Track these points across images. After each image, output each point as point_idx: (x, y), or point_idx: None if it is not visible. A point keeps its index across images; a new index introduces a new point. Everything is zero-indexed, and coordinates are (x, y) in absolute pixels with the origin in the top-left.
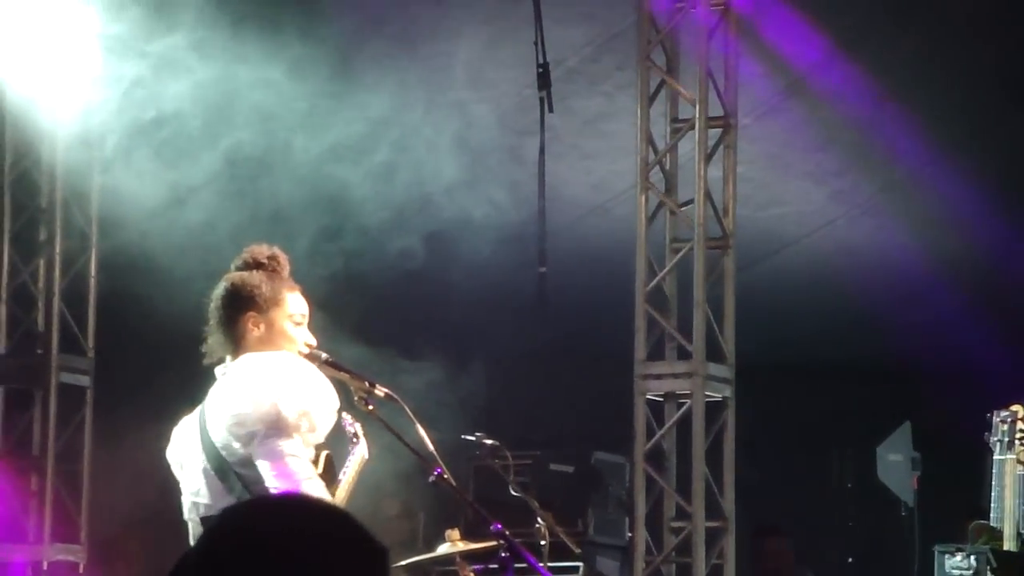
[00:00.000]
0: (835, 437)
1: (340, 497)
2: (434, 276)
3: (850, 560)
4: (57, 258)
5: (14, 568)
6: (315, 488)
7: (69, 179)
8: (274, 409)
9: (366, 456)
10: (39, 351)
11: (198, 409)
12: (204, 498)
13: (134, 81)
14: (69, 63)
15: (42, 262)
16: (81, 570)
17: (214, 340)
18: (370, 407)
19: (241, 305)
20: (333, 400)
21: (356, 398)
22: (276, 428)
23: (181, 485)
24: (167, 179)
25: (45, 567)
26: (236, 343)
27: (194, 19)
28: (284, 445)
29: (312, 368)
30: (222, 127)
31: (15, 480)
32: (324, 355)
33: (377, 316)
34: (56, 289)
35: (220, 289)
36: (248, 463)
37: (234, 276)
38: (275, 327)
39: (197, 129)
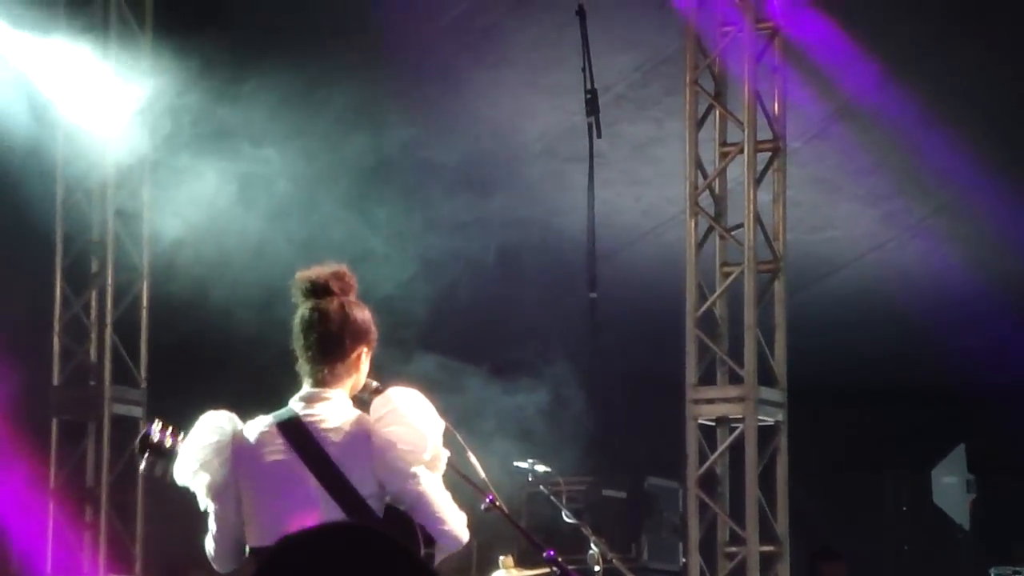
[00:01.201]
0: (889, 460)
1: None
2: (483, 304)
3: None
4: (109, 290)
5: None
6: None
7: (121, 211)
8: (436, 445)
9: None
10: (92, 383)
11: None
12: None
13: (186, 110)
14: (121, 95)
15: (94, 294)
16: None
17: (317, 368)
18: None
19: (364, 338)
20: None
21: None
22: (437, 463)
23: (221, 509)
24: (217, 209)
25: None
26: (346, 374)
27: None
28: (440, 484)
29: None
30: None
31: (69, 512)
32: (374, 384)
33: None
34: (108, 321)
35: (338, 315)
36: (378, 495)
37: (354, 305)
38: (367, 364)
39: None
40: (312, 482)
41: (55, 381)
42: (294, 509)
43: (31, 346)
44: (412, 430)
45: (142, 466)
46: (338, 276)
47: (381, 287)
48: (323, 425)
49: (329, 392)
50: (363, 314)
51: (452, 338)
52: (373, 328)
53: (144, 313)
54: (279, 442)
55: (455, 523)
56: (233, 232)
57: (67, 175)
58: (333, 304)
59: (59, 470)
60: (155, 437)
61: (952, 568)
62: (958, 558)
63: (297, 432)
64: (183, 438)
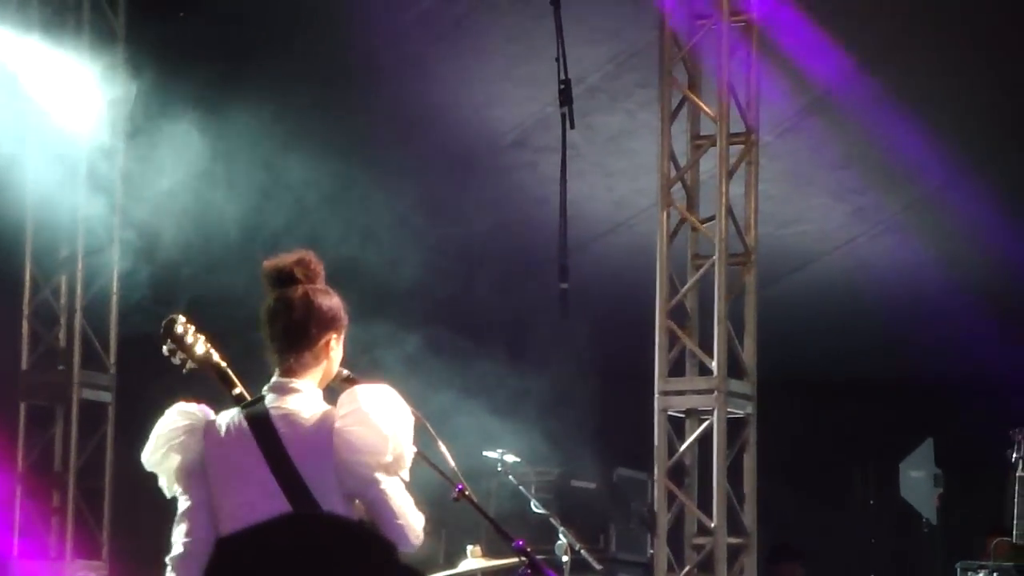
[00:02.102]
0: (857, 454)
1: None
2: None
3: None
4: (79, 274)
5: None
6: (421, 525)
7: (90, 194)
8: (401, 454)
9: None
10: (61, 367)
11: (239, 430)
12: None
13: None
14: (93, 83)
15: (64, 278)
16: None
17: (283, 358)
18: None
19: (330, 325)
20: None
21: None
22: (398, 471)
23: (193, 499)
24: (195, 192)
25: None
26: (312, 364)
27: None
28: (402, 488)
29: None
30: None
31: (37, 497)
32: (346, 372)
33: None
34: (78, 306)
35: (302, 303)
36: (336, 494)
37: (319, 292)
38: (339, 350)
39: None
40: (271, 479)
41: (23, 365)
42: (255, 505)
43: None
44: (374, 432)
45: (164, 349)
46: (302, 263)
47: (356, 273)
48: (288, 420)
49: (298, 382)
50: (329, 301)
51: (422, 324)
52: (342, 315)
53: (114, 298)
54: (246, 435)
55: (410, 525)
56: (207, 217)
57: (36, 158)
58: (297, 292)
59: (27, 454)
60: (179, 329)
61: (919, 562)
62: (925, 552)
63: (263, 426)
64: (205, 345)
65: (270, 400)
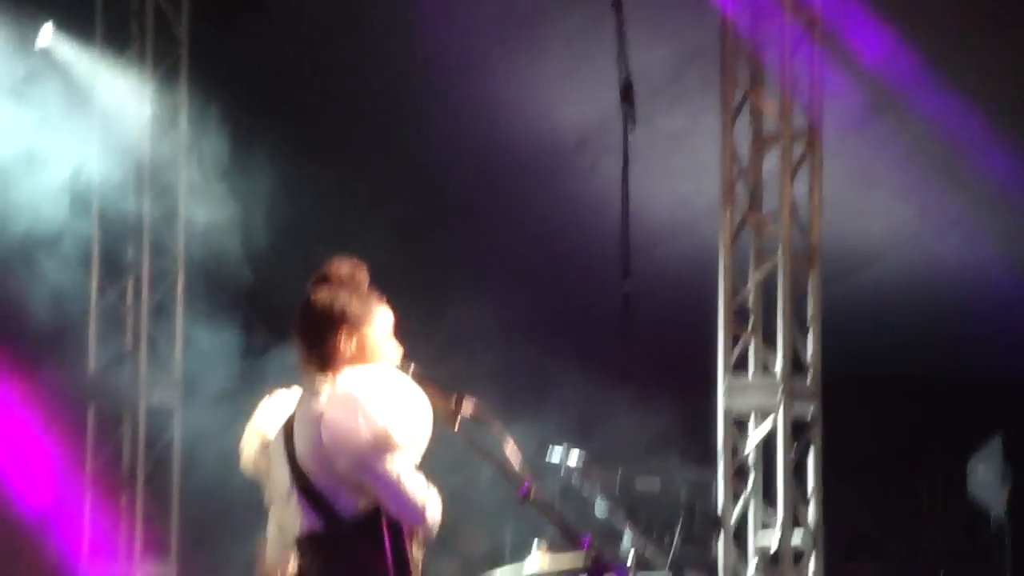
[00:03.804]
0: (924, 451)
1: None
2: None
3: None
4: (145, 278)
5: None
6: (433, 499)
7: (156, 199)
8: (384, 431)
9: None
10: (127, 371)
11: (275, 413)
12: (291, 519)
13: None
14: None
15: (130, 282)
16: None
17: (304, 358)
18: (456, 422)
19: (333, 322)
20: (430, 415)
21: (444, 412)
22: (388, 448)
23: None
24: (255, 197)
25: None
26: (328, 359)
27: None
28: (397, 464)
29: (409, 383)
30: None
31: (106, 499)
32: (413, 366)
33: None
34: (144, 309)
35: (307, 307)
36: (343, 485)
37: (320, 293)
38: (367, 342)
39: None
40: (289, 478)
41: (91, 369)
42: (284, 506)
43: (68, 333)
44: (358, 417)
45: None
46: (333, 267)
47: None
48: (299, 417)
49: (312, 380)
50: (333, 299)
51: (487, 324)
52: (348, 312)
53: (179, 301)
54: (279, 438)
55: (412, 504)
56: (272, 220)
57: (101, 164)
58: (307, 294)
59: (95, 456)
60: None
61: (988, 559)
62: (994, 549)
63: (287, 428)
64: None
65: (299, 401)
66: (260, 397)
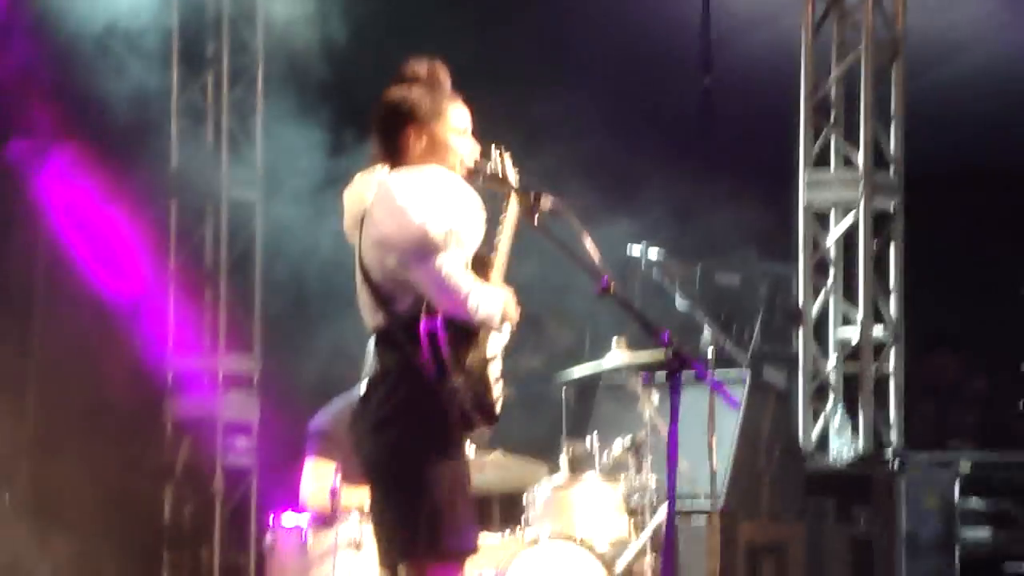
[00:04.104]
0: (1006, 243)
1: (498, 271)
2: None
3: (1023, 367)
4: (225, 72)
5: (190, 376)
6: (480, 295)
7: None
8: (420, 230)
9: (516, 216)
10: (209, 167)
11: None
12: (363, 311)
13: None
14: None
15: (210, 76)
16: (255, 380)
17: (376, 152)
18: (535, 218)
19: (402, 119)
20: (479, 214)
21: (522, 210)
22: (426, 248)
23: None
24: None
25: (220, 377)
26: (398, 156)
27: None
28: (439, 262)
29: (457, 182)
30: None
31: (190, 293)
32: (490, 167)
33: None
34: (224, 104)
35: (380, 105)
36: (396, 281)
37: (392, 91)
38: (437, 139)
39: None
40: (358, 264)
41: (173, 164)
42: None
43: (150, 129)
44: (394, 216)
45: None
46: (411, 65)
47: None
48: (366, 207)
49: (380, 174)
50: (402, 94)
51: (569, 118)
52: (416, 108)
53: (259, 95)
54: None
55: (454, 298)
56: (348, 11)
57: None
58: (390, 91)
59: (178, 251)
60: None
61: None
62: None
63: (361, 213)
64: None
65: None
66: (339, 192)
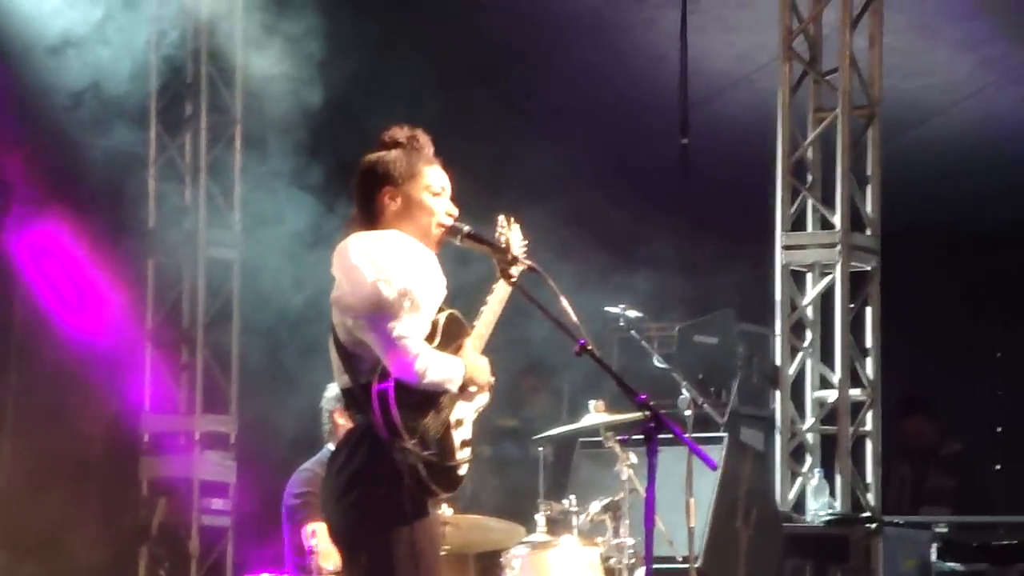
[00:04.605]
0: (983, 306)
1: (475, 344)
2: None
3: (999, 430)
4: (203, 132)
5: (167, 436)
6: (429, 360)
7: (213, 55)
8: (373, 289)
9: (507, 293)
10: (187, 225)
11: None
12: (334, 368)
13: None
14: None
15: (188, 137)
16: (232, 440)
17: (354, 213)
18: (513, 279)
19: (377, 181)
20: (436, 278)
21: (499, 270)
22: (378, 309)
23: None
24: (309, 52)
25: (197, 437)
26: (374, 217)
27: None
28: (390, 324)
29: (414, 246)
30: None
31: (166, 353)
32: (466, 228)
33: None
34: (203, 163)
35: (358, 166)
36: (358, 343)
37: (370, 155)
38: (413, 200)
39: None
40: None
41: (151, 224)
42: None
43: (129, 189)
44: (350, 277)
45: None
46: (389, 132)
47: None
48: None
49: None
50: (377, 158)
51: (547, 177)
52: (389, 170)
53: (237, 155)
54: None
55: (400, 359)
56: (326, 74)
57: (161, 18)
58: (368, 155)
59: (156, 311)
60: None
61: None
62: None
63: None
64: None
65: None
66: (318, 254)
